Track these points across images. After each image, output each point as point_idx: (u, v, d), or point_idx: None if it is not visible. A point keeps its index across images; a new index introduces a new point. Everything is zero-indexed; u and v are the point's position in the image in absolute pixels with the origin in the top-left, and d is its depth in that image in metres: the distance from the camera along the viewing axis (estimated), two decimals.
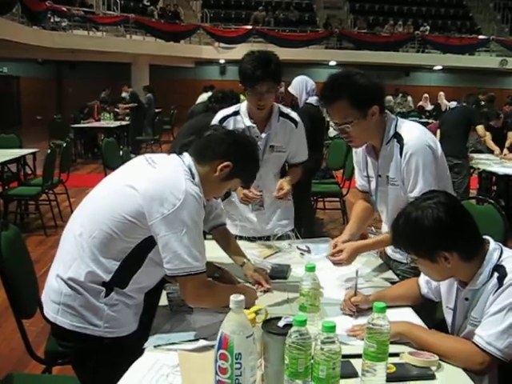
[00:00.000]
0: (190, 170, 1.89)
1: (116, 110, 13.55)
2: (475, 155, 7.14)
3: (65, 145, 6.79)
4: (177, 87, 21.65)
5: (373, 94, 2.13)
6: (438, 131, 6.56)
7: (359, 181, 2.52)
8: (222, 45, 20.48)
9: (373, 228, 2.50)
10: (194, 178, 1.87)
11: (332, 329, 1.32)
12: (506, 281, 1.62)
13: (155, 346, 1.76)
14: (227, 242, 2.42)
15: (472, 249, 1.70)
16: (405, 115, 15.08)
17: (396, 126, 2.20)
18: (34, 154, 7.22)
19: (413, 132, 2.17)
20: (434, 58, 21.04)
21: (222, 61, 22.02)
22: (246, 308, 1.94)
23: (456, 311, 1.82)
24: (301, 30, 20.54)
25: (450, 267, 1.68)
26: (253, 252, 2.69)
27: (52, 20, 16.80)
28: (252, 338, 1.28)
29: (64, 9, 16.49)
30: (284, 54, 19.56)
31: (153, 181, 1.82)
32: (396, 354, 1.65)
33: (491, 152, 7.36)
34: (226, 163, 1.91)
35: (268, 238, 2.92)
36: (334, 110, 2.15)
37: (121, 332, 1.86)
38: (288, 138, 2.89)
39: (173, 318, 1.98)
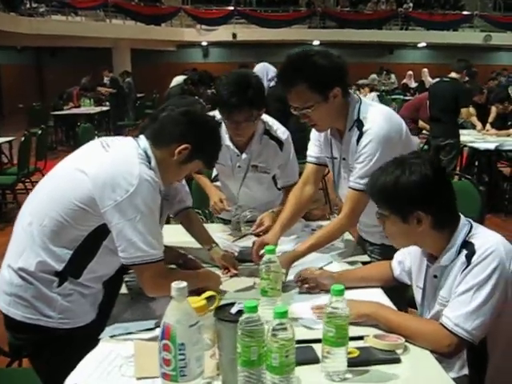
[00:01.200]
0: (146, 153, 1.79)
1: (101, 92, 13.28)
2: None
3: (40, 132, 6.63)
4: (159, 71, 21.31)
5: (333, 75, 1.99)
6: (427, 103, 6.47)
7: (312, 151, 2.36)
8: (203, 27, 20.24)
9: (335, 215, 2.40)
10: (149, 162, 1.77)
11: (283, 314, 1.25)
12: (474, 259, 1.55)
13: (111, 336, 1.69)
14: (193, 225, 2.34)
15: (446, 218, 1.63)
16: (389, 93, 15.03)
17: (359, 110, 2.08)
18: (10, 142, 7.07)
19: (375, 120, 2.04)
20: (418, 35, 20.88)
21: (204, 43, 21.76)
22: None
23: (425, 290, 1.76)
24: (283, 9, 20.28)
25: (419, 232, 1.61)
26: (221, 235, 2.61)
27: (29, 6, 16.45)
28: (196, 326, 1.20)
29: None
30: (266, 34, 19.42)
31: (104, 165, 1.72)
32: (360, 338, 1.59)
33: (474, 128, 7.31)
34: (183, 145, 1.81)
35: (248, 222, 2.81)
36: (292, 94, 2.02)
37: (76, 323, 1.78)
38: (272, 160, 2.64)
39: (133, 306, 1.91)
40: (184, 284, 1.21)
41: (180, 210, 2.35)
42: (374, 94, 10.70)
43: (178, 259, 2.16)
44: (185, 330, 1.18)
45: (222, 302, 1.71)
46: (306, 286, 1.97)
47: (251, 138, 2.58)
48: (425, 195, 1.58)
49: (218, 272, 2.17)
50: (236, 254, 2.35)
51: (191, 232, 2.33)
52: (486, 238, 1.59)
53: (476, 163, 7.10)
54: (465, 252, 1.58)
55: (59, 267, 1.72)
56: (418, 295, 1.81)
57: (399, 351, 1.54)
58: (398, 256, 1.96)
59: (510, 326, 1.58)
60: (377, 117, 2.05)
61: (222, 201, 2.62)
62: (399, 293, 2.02)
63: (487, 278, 1.51)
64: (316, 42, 18.57)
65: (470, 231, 1.63)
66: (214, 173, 2.91)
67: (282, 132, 2.64)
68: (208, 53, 22.59)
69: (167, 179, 1.90)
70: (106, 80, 14.16)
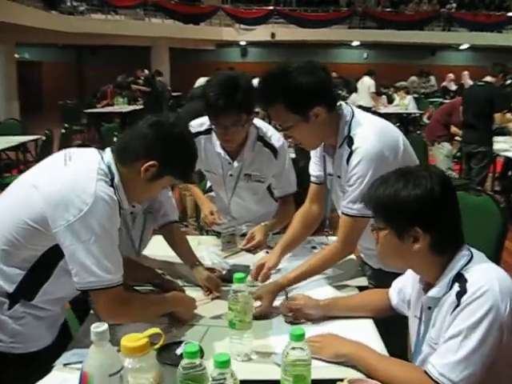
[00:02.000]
0: (109, 168, 1.64)
1: (135, 90, 13.29)
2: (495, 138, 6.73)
3: (63, 131, 6.61)
4: (197, 70, 21.33)
5: (313, 93, 1.80)
6: (461, 108, 6.16)
7: (312, 170, 2.19)
8: (242, 26, 20.14)
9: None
10: (112, 179, 1.62)
11: (225, 364, 1.08)
12: (464, 299, 1.33)
13: (65, 364, 1.55)
14: (176, 241, 2.20)
15: (447, 242, 1.43)
16: (428, 96, 14.61)
17: (350, 126, 1.88)
18: (35, 140, 7.08)
19: (366, 138, 1.84)
20: (461, 37, 20.22)
21: (242, 42, 21.66)
22: (182, 320, 1.77)
23: (421, 320, 1.55)
24: (323, 9, 19.97)
25: (414, 252, 1.42)
26: (214, 249, 2.46)
27: (69, 4, 16.68)
28: (118, 375, 1.04)
29: None
30: (305, 34, 19.27)
31: (59, 181, 1.57)
32: (333, 382, 1.40)
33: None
34: (149, 162, 1.64)
35: (244, 235, 2.65)
36: (271, 113, 1.88)
37: (29, 347, 1.64)
38: (266, 168, 2.47)
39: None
40: (104, 327, 1.05)
41: (164, 224, 2.21)
42: (409, 97, 10.38)
43: (155, 279, 2.01)
44: (103, 380, 1.03)
45: (181, 337, 1.57)
46: (290, 315, 1.80)
47: (243, 145, 2.41)
48: (426, 211, 1.39)
49: (201, 292, 2.02)
50: (224, 272, 2.19)
51: (174, 248, 2.19)
52: (481, 274, 1.37)
53: (510, 173, 6.74)
54: (457, 287, 1.37)
55: (10, 289, 1.59)
56: (414, 326, 1.60)
57: None
58: (397, 284, 1.75)
59: (506, 374, 1.37)
60: (368, 133, 1.85)
61: (212, 213, 2.46)
62: (397, 324, 1.81)
63: (478, 323, 1.30)
64: (355, 43, 18.28)
65: (468, 262, 1.41)
66: (209, 183, 2.75)
67: (276, 139, 2.45)
68: (246, 52, 22.49)
69: (136, 197, 1.75)
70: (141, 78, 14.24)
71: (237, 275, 1.57)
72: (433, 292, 1.44)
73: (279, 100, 1.80)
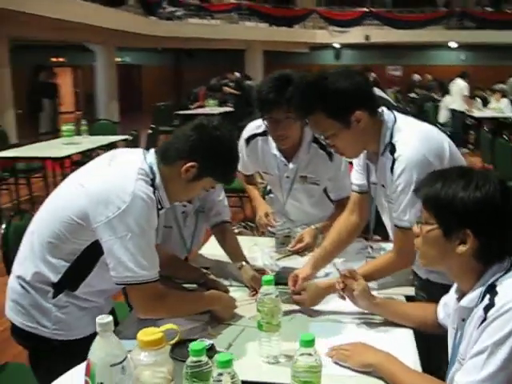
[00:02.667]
0: (151, 168, 1.70)
1: (226, 92, 13.56)
2: None
3: (151, 131, 6.87)
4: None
5: (352, 97, 1.76)
6: None
7: (354, 178, 2.12)
8: (336, 28, 19.99)
9: (370, 249, 2.14)
10: (154, 179, 1.69)
11: (227, 363, 1.09)
12: (491, 313, 1.25)
13: None
14: (225, 241, 2.25)
15: (493, 251, 1.34)
16: None
17: (392, 132, 1.82)
18: (125, 140, 7.41)
19: (409, 143, 1.77)
20: None
21: (336, 45, 21.50)
22: (220, 319, 1.79)
23: (457, 331, 1.47)
24: (419, 10, 19.36)
25: (456, 254, 1.34)
26: (268, 251, 2.47)
27: (167, 10, 17.32)
28: (120, 366, 1.09)
29: None
30: (401, 36, 18.71)
31: (101, 180, 1.67)
32: None
33: None
34: (190, 163, 1.69)
35: None
36: (311, 123, 1.85)
37: (71, 335, 1.74)
38: (321, 171, 2.47)
39: (142, 322, 1.82)
40: (108, 319, 1.09)
41: (215, 224, 2.26)
42: (506, 101, 9.84)
43: (200, 278, 2.05)
44: (104, 369, 1.08)
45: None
46: (341, 289, 1.79)
47: (299, 147, 2.42)
48: (482, 216, 1.32)
49: (247, 292, 2.05)
50: (272, 274, 2.19)
51: (223, 247, 2.24)
52: (511, 288, 1.29)
53: None
54: (486, 300, 1.29)
55: (55, 279, 1.70)
56: (450, 338, 1.53)
57: None
58: (444, 298, 1.67)
59: None
60: (410, 140, 1.78)
61: (267, 215, 2.47)
62: (439, 337, 1.73)
63: (503, 340, 1.21)
64: (453, 44, 17.57)
65: (505, 273, 1.32)
66: (269, 186, 2.77)
67: None
68: (340, 54, 22.28)
69: (176, 196, 1.81)
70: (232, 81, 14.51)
71: (265, 277, 1.57)
72: (464, 301, 1.37)
73: (318, 107, 1.77)
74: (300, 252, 2.32)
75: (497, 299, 1.27)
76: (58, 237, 1.67)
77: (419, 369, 1.50)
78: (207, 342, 1.42)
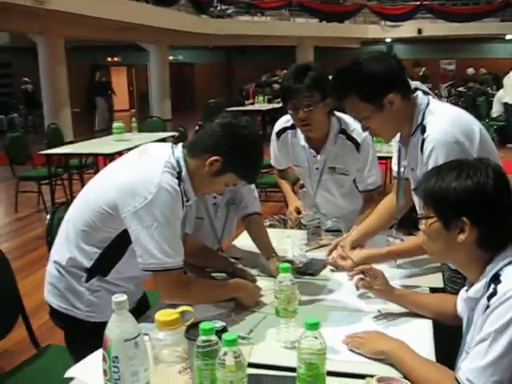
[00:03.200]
0: (178, 162, 1.79)
1: (275, 89, 13.63)
2: None
3: (197, 128, 7.00)
4: None
5: (384, 80, 1.83)
6: None
7: (394, 164, 2.19)
8: (388, 23, 19.73)
9: (390, 238, 2.16)
10: (180, 171, 1.78)
11: (233, 342, 1.16)
12: (493, 301, 1.27)
13: None
14: (254, 232, 2.31)
15: (493, 238, 1.37)
16: None
17: (424, 114, 1.87)
18: (173, 136, 7.58)
19: (439, 124, 1.82)
20: None
21: (388, 39, 21.21)
22: (244, 306, 1.87)
23: (468, 322, 1.49)
24: (473, 2, 18.87)
25: (458, 243, 1.38)
26: (299, 243, 2.52)
27: (219, 8, 17.54)
28: (133, 341, 1.17)
29: None
30: (454, 29, 18.27)
31: (130, 173, 1.77)
32: (362, 377, 1.41)
33: None
34: (214, 157, 1.77)
35: (330, 231, 2.67)
36: (346, 106, 1.93)
37: (102, 317, 1.82)
38: (350, 161, 2.51)
39: (170, 307, 1.91)
40: (123, 298, 1.18)
41: (245, 216, 2.33)
42: None
43: (228, 268, 2.13)
44: (119, 344, 1.17)
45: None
46: (360, 279, 1.83)
47: (326, 138, 2.48)
48: (476, 204, 1.36)
49: (273, 282, 2.11)
50: (300, 265, 2.25)
51: (253, 239, 2.30)
52: None
53: None
54: (491, 289, 1.32)
55: (88, 264, 1.81)
56: (464, 328, 1.55)
57: None
58: (463, 290, 1.70)
59: None
60: (441, 121, 1.83)
61: (297, 210, 2.52)
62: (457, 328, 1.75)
63: (504, 327, 1.23)
64: (509, 37, 17.02)
65: (509, 263, 1.34)
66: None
67: (357, 133, 2.46)
68: (392, 49, 21.96)
69: (202, 189, 1.88)
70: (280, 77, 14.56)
71: (282, 265, 1.63)
72: (471, 292, 1.40)
73: (353, 91, 1.85)
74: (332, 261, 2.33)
75: (499, 287, 1.29)
76: (91, 225, 1.79)
77: (433, 359, 1.53)
78: (219, 324, 1.50)
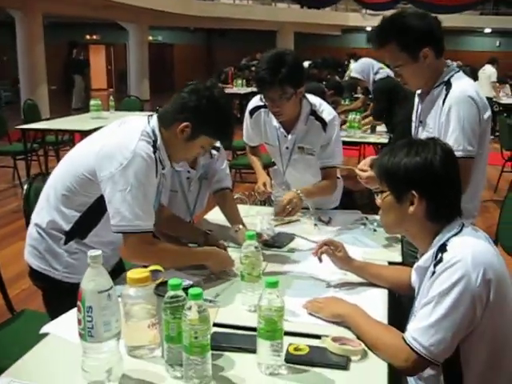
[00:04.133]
0: (154, 131, 1.87)
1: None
2: None
3: None
4: (321, 55, 21.43)
5: (424, 35, 2.04)
6: None
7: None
8: (368, 11, 19.81)
9: (365, 220, 2.28)
10: (155, 140, 1.86)
11: (198, 296, 1.25)
12: (438, 268, 1.40)
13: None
14: (225, 206, 2.41)
15: (441, 211, 1.51)
16: None
17: (451, 76, 2.09)
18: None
19: (463, 86, 2.05)
20: None
21: (368, 28, 21.28)
22: (214, 273, 1.96)
23: (418, 290, 1.61)
24: None
25: (410, 215, 1.51)
26: (268, 218, 2.61)
27: None
28: (106, 293, 1.26)
29: None
30: None
31: (109, 140, 1.85)
32: (318, 337, 1.52)
33: None
34: (184, 124, 1.85)
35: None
36: (385, 52, 2.11)
37: (79, 279, 1.89)
38: (316, 141, 2.61)
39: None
40: (98, 252, 1.27)
41: (217, 190, 2.42)
42: None
43: (200, 237, 2.21)
44: (93, 295, 1.26)
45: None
46: (324, 244, 1.93)
47: (297, 119, 2.57)
48: (423, 178, 1.49)
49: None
50: (267, 238, 2.35)
51: (223, 212, 2.40)
52: (459, 245, 1.43)
53: None
54: (438, 257, 1.44)
55: (67, 227, 1.91)
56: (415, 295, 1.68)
57: (356, 358, 1.45)
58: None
59: (484, 350, 1.41)
60: (467, 85, 2.06)
61: (265, 185, 2.61)
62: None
63: (447, 290, 1.36)
64: (487, 30, 17.28)
65: (456, 234, 1.48)
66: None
67: (327, 113, 2.59)
68: None
69: (177, 157, 1.97)
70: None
71: (248, 233, 1.74)
72: (421, 261, 1.52)
73: (393, 39, 2.04)
74: (291, 214, 2.48)
75: (445, 255, 1.42)
76: (71, 190, 1.88)
77: (385, 322, 1.65)
78: (186, 282, 1.60)
